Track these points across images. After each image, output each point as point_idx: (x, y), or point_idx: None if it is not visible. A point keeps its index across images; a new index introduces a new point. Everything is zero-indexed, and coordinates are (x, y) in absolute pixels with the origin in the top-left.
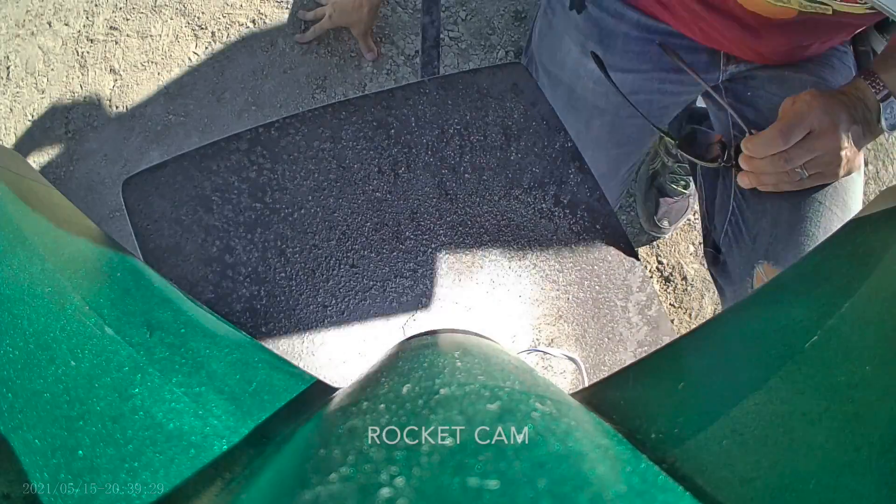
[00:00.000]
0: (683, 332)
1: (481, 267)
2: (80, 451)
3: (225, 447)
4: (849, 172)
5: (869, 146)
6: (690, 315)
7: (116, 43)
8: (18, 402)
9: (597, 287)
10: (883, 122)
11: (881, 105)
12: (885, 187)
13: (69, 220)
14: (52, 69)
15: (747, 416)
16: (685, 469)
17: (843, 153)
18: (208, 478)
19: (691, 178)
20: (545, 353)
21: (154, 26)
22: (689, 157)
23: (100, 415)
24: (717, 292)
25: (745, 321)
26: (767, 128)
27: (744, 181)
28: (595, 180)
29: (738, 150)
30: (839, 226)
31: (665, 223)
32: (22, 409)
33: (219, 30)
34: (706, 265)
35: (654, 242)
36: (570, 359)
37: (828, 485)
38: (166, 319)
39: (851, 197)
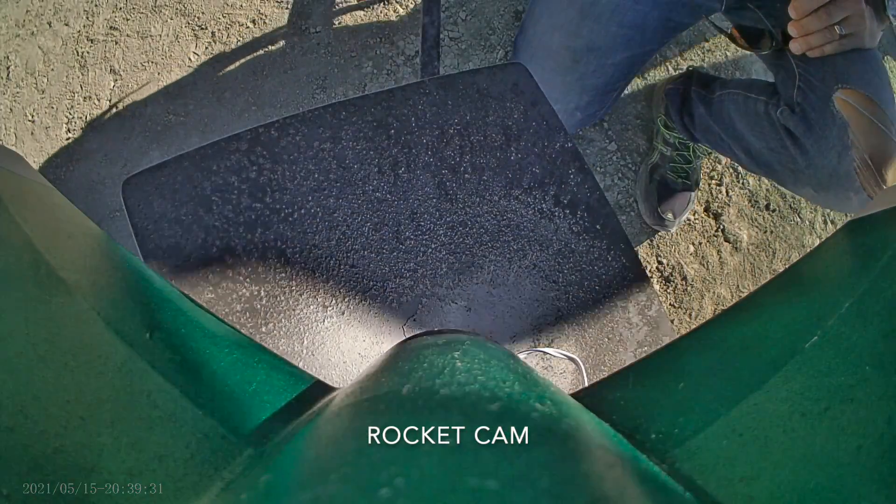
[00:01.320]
0: (683, 332)
1: (481, 267)
2: (80, 452)
3: (225, 447)
4: (871, 40)
5: None
6: (690, 315)
7: (116, 43)
8: (18, 403)
9: (597, 287)
10: (887, 6)
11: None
12: None
13: (69, 220)
14: (52, 69)
15: (747, 417)
16: (685, 469)
17: (865, 17)
18: (208, 478)
19: (692, 168)
20: (545, 353)
21: (154, 26)
22: (745, 48)
23: (99, 415)
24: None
25: (746, 321)
26: None
27: (795, 46)
28: (595, 180)
29: (784, 36)
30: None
31: (669, 215)
32: (22, 409)
33: (219, 30)
34: (783, 122)
35: (654, 242)
36: (570, 359)
37: (828, 485)
38: (166, 319)
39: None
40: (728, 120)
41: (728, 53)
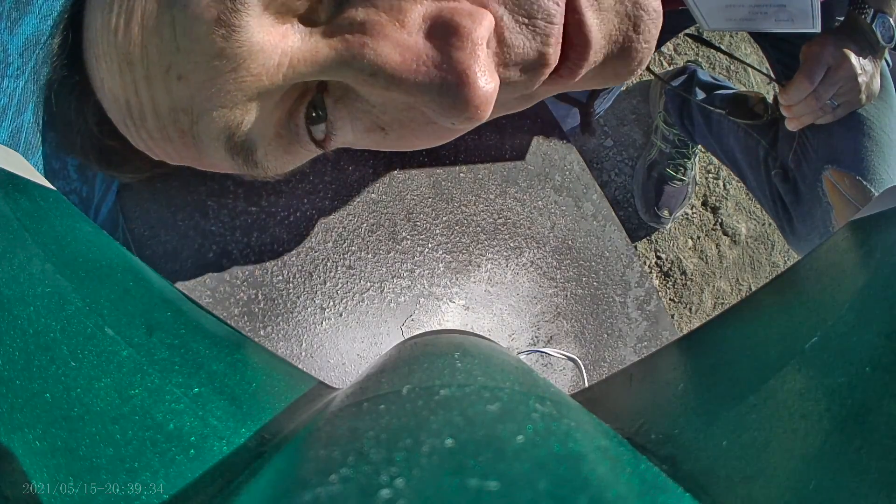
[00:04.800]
0: (683, 326)
1: (479, 266)
2: (80, 452)
3: (225, 448)
4: (870, 97)
5: None
6: (690, 310)
7: None
8: (18, 403)
9: (595, 283)
10: (880, 39)
11: (873, 26)
12: None
13: (68, 220)
14: None
15: (747, 417)
16: (685, 469)
17: (860, 79)
18: (208, 478)
19: (691, 164)
20: (544, 353)
21: None
22: (742, 122)
23: (100, 415)
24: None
25: (746, 322)
26: (794, 76)
27: (791, 125)
28: (591, 176)
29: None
30: (881, 113)
31: (665, 213)
32: (22, 409)
33: None
34: (776, 184)
35: (653, 237)
36: (570, 359)
37: (828, 485)
38: (166, 320)
39: (884, 90)
40: (728, 146)
41: (722, 47)
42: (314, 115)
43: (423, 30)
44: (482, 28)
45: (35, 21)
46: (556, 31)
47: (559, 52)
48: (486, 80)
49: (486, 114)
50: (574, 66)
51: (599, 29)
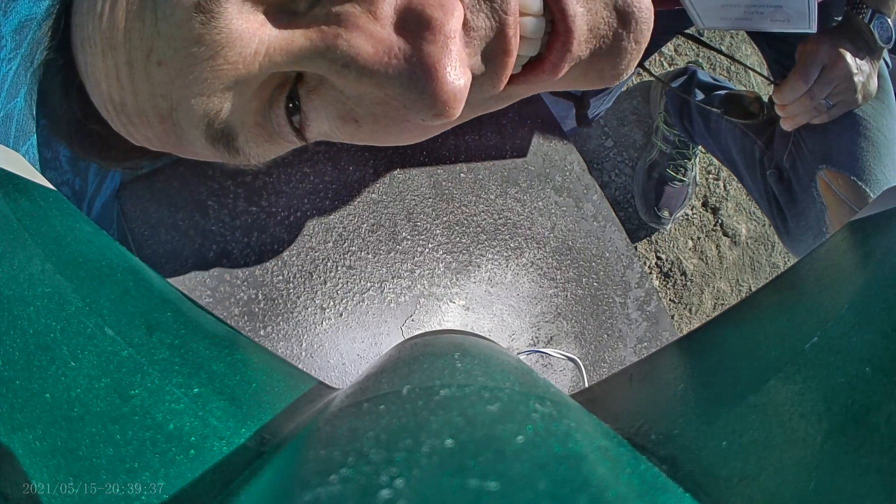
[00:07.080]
0: (683, 327)
1: (479, 266)
2: (80, 452)
3: (225, 448)
4: (866, 97)
5: None
6: (690, 310)
7: None
8: (18, 403)
9: (595, 284)
10: (878, 39)
11: (871, 26)
12: None
13: (68, 220)
14: None
15: (747, 418)
16: (685, 470)
17: (855, 79)
18: (208, 478)
19: (691, 164)
20: (544, 353)
21: None
22: (737, 121)
23: (100, 415)
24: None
25: (746, 322)
26: (788, 76)
27: (786, 125)
28: (591, 177)
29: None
30: (877, 114)
31: (665, 213)
32: (22, 409)
33: None
34: (772, 184)
35: (653, 238)
36: (570, 359)
37: (828, 485)
38: (166, 320)
39: (882, 91)
40: (725, 146)
41: (722, 47)
42: (290, 105)
43: (395, 22)
44: (454, 20)
45: (29, 3)
46: (513, 9)
47: (518, 35)
48: (455, 75)
49: (456, 111)
50: (557, 57)
51: (584, 19)
